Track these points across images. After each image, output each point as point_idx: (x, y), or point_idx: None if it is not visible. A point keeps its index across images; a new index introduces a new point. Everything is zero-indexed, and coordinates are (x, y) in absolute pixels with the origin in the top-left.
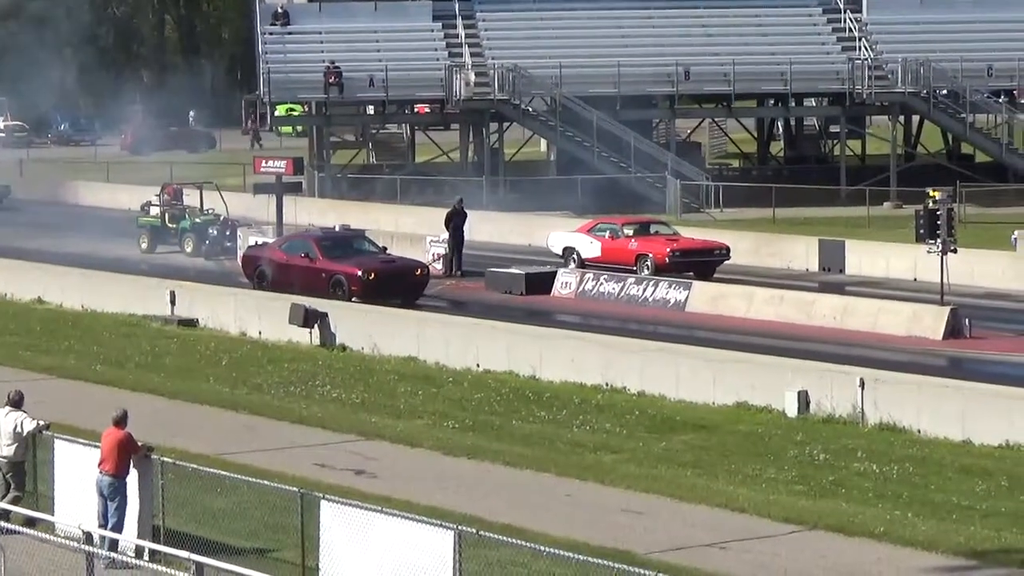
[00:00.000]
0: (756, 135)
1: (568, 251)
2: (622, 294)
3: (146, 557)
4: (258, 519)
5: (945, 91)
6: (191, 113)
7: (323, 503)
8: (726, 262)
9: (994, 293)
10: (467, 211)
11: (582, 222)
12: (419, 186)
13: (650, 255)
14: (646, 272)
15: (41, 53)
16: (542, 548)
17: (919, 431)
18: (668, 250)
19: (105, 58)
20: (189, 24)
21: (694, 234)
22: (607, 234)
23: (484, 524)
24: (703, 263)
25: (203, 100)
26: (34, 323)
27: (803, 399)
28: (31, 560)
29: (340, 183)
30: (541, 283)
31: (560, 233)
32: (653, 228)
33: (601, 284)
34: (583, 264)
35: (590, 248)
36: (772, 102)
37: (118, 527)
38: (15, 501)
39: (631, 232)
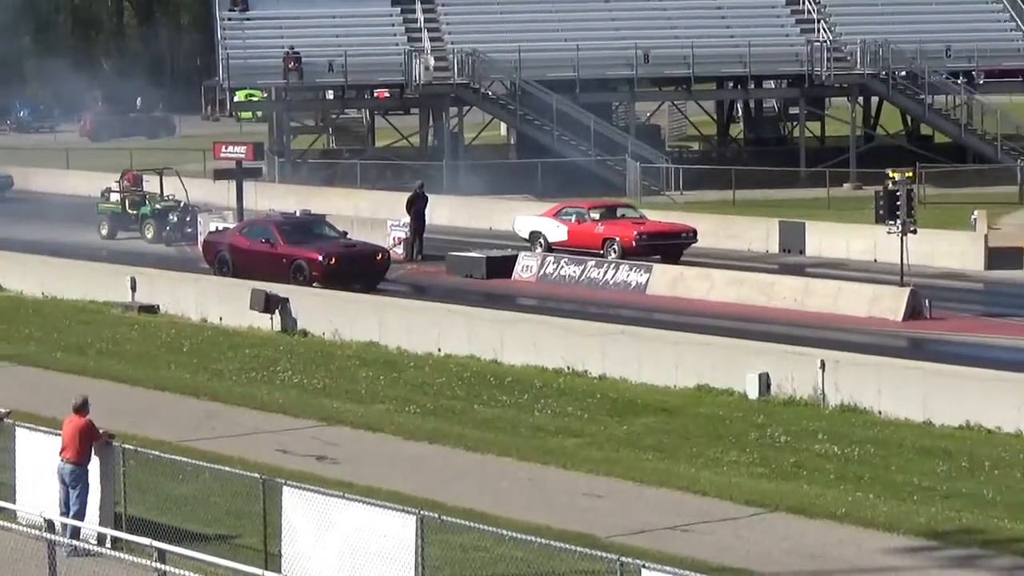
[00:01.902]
0: (716, 117)
1: (534, 235)
2: (583, 277)
3: (108, 544)
4: (220, 506)
5: (904, 72)
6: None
7: (285, 489)
8: None
9: (954, 273)
10: (427, 195)
11: (543, 206)
12: (379, 171)
13: (617, 239)
14: (613, 256)
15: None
16: (504, 532)
17: (880, 412)
18: (635, 233)
19: (63, 44)
20: (148, 10)
21: (654, 216)
22: (573, 218)
23: (446, 509)
24: (670, 246)
25: (162, 86)
26: None
27: (764, 381)
28: None
29: (300, 168)
30: (502, 267)
31: (526, 217)
32: (620, 211)
33: (562, 267)
34: (550, 248)
35: (556, 232)
36: (731, 84)
37: (80, 515)
38: None
39: (597, 216)
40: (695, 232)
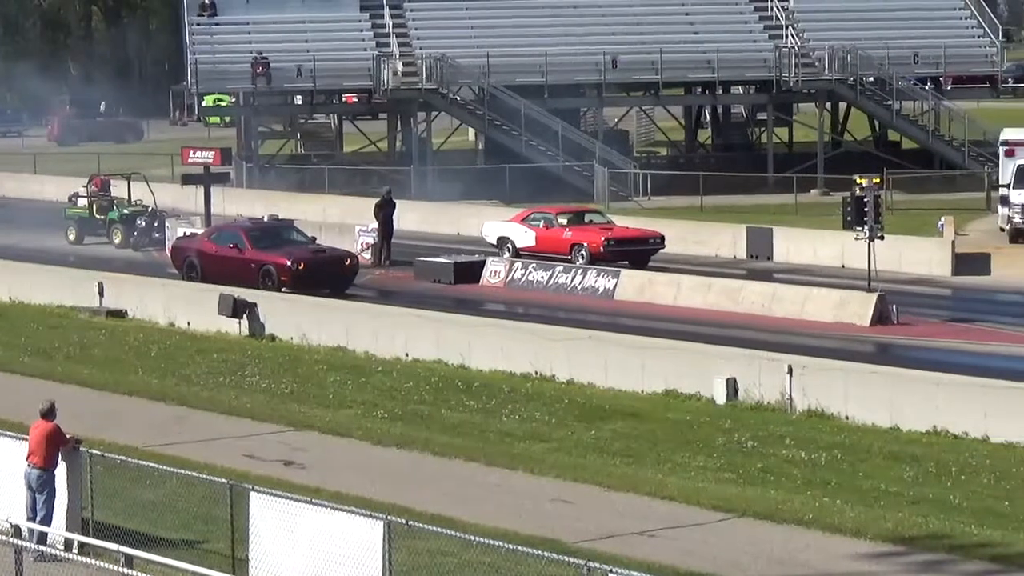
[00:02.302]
0: (683, 123)
1: (502, 241)
2: (551, 282)
3: (75, 550)
4: (188, 511)
5: (872, 78)
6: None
7: (252, 494)
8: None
9: (921, 279)
10: (395, 200)
11: (511, 211)
12: (347, 176)
13: (585, 244)
14: (580, 261)
15: None
16: (472, 537)
17: (847, 417)
18: (603, 239)
19: (32, 48)
20: (116, 15)
21: (622, 222)
22: (541, 223)
23: (413, 514)
24: (638, 252)
25: (130, 91)
26: None
27: (731, 386)
28: None
29: (268, 173)
30: (470, 272)
31: (494, 223)
32: (587, 217)
33: (530, 273)
34: (518, 254)
35: (524, 238)
36: (699, 90)
37: (47, 520)
38: None
39: (565, 221)
40: (663, 238)
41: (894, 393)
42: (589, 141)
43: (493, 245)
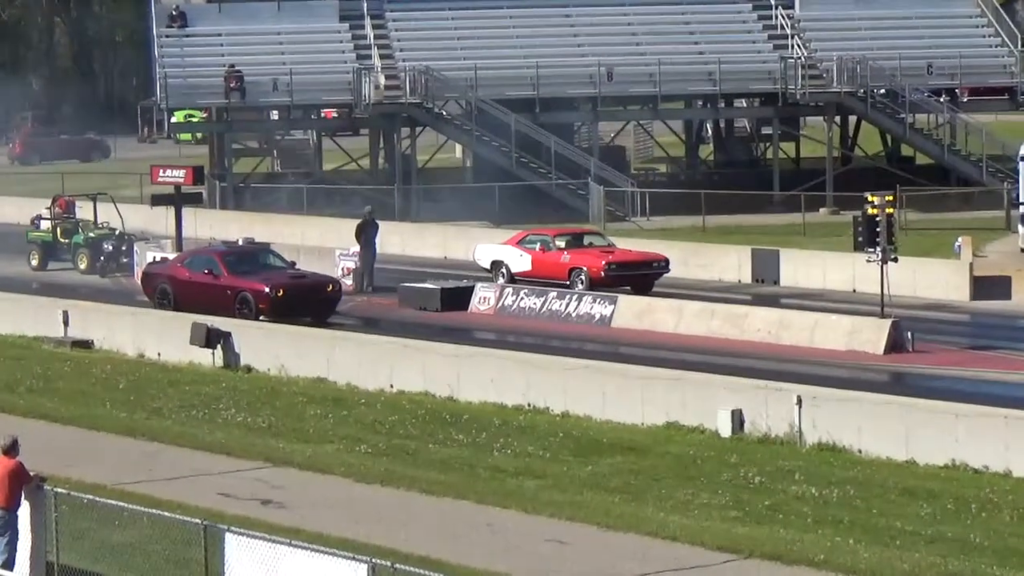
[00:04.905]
0: (684, 138)
1: (496, 265)
2: (544, 309)
3: None
4: (159, 553)
5: (883, 90)
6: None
7: (228, 535)
8: None
9: (937, 304)
10: (378, 222)
11: (501, 232)
12: (326, 196)
13: (584, 269)
14: (580, 287)
15: None
16: None
17: (860, 451)
18: (603, 263)
19: None
20: (80, 27)
21: (622, 244)
22: (538, 246)
23: (400, 556)
24: (641, 276)
25: (96, 106)
26: None
27: (737, 418)
28: None
29: (243, 193)
30: (458, 298)
31: (487, 246)
32: (587, 239)
33: (522, 299)
34: (513, 279)
35: (520, 262)
36: (700, 103)
37: (9, 563)
38: None
39: (563, 244)
40: (667, 261)
41: (910, 425)
42: (584, 158)
43: (486, 269)
